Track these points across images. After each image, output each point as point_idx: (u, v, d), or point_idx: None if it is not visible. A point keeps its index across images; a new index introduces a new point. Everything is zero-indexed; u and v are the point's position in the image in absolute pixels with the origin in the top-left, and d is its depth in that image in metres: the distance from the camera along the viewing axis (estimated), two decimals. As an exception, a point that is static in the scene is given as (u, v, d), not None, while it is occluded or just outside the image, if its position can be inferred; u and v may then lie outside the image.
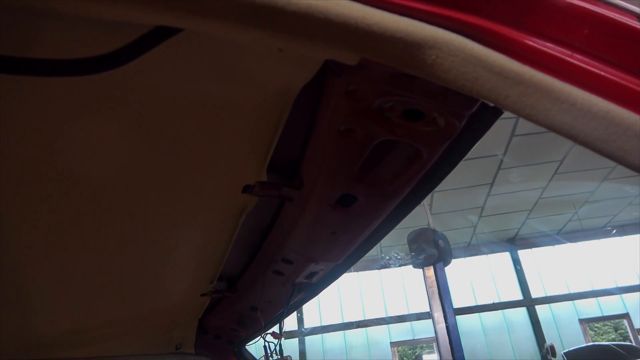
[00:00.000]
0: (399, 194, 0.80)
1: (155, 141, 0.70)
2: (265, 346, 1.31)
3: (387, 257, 8.35)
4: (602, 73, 0.37)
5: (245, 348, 2.00)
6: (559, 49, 0.39)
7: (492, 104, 0.41)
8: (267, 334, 1.40)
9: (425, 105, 0.57)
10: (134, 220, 0.95)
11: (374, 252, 9.03)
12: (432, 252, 5.95)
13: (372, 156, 0.72)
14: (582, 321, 9.70)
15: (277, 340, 1.34)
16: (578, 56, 0.38)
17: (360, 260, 1.19)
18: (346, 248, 1.08)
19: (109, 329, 1.70)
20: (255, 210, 0.98)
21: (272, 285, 1.33)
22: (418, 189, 0.80)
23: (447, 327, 6.71)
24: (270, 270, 1.25)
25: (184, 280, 1.35)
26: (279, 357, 1.28)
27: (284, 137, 0.73)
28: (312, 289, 1.36)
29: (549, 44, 0.40)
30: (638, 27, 0.38)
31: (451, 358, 6.51)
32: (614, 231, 9.71)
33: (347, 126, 0.65)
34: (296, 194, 0.89)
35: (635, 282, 9.45)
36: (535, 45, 0.40)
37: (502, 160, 6.69)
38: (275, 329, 1.40)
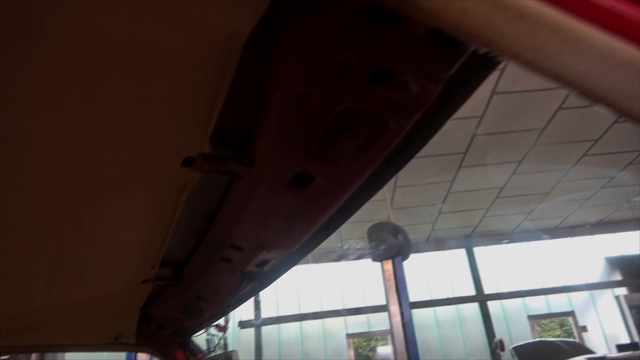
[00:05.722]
0: (360, 174, 0.71)
1: (72, 98, 0.57)
2: (207, 339, 1.20)
3: (346, 249, 8.35)
4: (629, 11, 0.29)
5: (191, 339, 1.89)
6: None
7: (482, 49, 0.32)
8: (210, 326, 1.29)
9: (395, 63, 0.48)
10: (62, 197, 0.83)
11: (333, 243, 9.02)
12: (391, 246, 5.96)
13: (332, 128, 0.62)
14: (530, 317, 10.04)
15: (221, 333, 1.24)
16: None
17: (319, 251, 1.10)
18: (300, 235, 0.98)
19: (39, 316, 1.55)
20: (201, 191, 0.87)
21: (219, 274, 1.22)
22: (383, 168, 0.71)
23: (402, 321, 6.77)
24: (217, 257, 1.14)
25: (121, 265, 1.23)
26: (223, 351, 1.17)
27: (232, 100, 0.62)
28: (264, 279, 1.26)
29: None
30: None
31: (405, 351, 6.58)
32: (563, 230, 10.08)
33: (304, 88, 0.55)
34: (246, 171, 0.78)
35: (581, 282, 9.88)
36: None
37: (463, 158, 6.77)
38: (221, 321, 1.30)
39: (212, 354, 1.18)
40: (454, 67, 0.47)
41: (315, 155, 0.68)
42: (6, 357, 4.30)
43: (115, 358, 8.38)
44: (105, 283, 1.34)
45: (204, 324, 1.63)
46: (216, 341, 1.21)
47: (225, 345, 1.15)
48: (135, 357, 6.19)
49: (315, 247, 1.08)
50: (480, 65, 0.49)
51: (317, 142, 0.65)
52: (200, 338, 1.44)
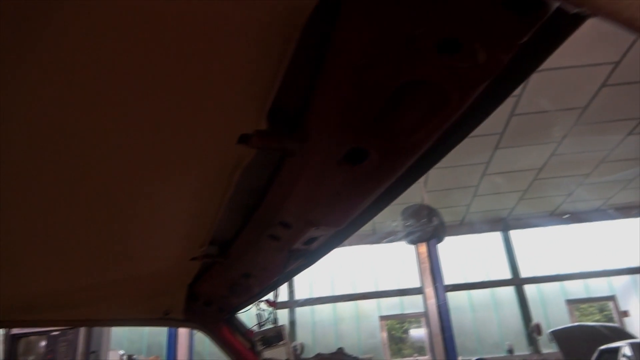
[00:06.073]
0: (417, 149, 0.70)
1: (130, 74, 0.58)
2: (258, 314, 1.23)
3: (381, 231, 8.34)
4: None
5: (236, 316, 1.94)
6: None
7: (573, 9, 0.31)
8: (260, 301, 1.32)
9: (466, 32, 0.47)
10: (116, 174, 0.85)
11: (367, 225, 9.00)
12: (426, 228, 5.91)
13: (391, 101, 0.62)
14: (569, 302, 9.81)
15: (271, 308, 1.27)
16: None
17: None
18: (350, 211, 0.99)
19: (94, 291, 1.62)
20: (253, 168, 0.88)
21: (266, 251, 1.24)
22: (440, 142, 0.70)
23: (437, 303, 6.75)
24: (266, 234, 1.16)
25: (172, 243, 1.26)
26: (273, 325, 1.20)
27: (290, 75, 0.62)
28: (310, 257, 1.27)
29: None
30: None
31: (440, 333, 6.58)
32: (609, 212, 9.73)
33: (366, 60, 0.54)
34: (299, 148, 0.78)
35: (623, 265, 9.56)
36: None
37: (500, 139, 6.59)
38: (270, 296, 1.32)
39: (263, 329, 1.21)
40: (528, 34, 0.45)
41: (372, 130, 0.68)
42: (58, 330, 4.54)
43: (156, 332, 8.70)
44: (156, 260, 1.38)
45: (250, 301, 1.67)
46: (266, 316, 1.24)
47: (275, 320, 1.18)
48: (176, 332, 6.41)
49: (364, 224, 1.08)
50: (555, 30, 0.47)
51: (374, 117, 0.65)
52: (250, 312, 1.48)
